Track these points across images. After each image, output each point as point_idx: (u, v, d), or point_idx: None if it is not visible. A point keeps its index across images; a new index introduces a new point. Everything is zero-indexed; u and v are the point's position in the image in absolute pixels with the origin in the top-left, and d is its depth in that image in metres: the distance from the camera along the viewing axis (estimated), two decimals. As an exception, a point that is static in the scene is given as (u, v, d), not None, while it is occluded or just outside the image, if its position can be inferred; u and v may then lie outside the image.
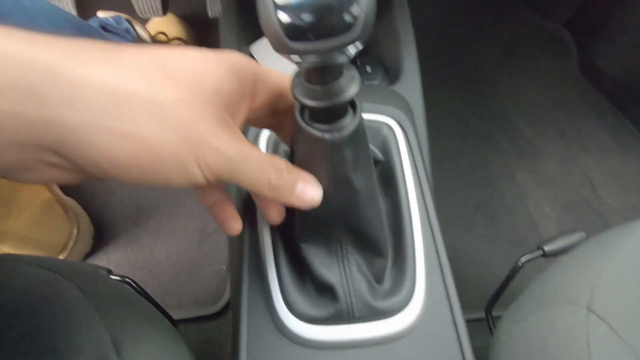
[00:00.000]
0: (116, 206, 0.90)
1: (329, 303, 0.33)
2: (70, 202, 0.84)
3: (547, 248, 0.53)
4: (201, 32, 1.09)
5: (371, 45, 0.59)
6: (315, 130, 0.27)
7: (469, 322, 0.34)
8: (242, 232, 0.38)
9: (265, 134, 0.41)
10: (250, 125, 0.36)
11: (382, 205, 0.40)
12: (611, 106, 1.14)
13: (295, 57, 0.22)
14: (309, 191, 0.27)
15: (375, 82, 0.52)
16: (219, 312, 0.77)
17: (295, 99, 0.26)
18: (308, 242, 0.34)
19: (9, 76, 0.16)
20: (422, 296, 0.34)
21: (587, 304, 0.31)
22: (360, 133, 0.29)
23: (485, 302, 0.67)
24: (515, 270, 0.55)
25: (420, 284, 0.35)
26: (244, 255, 0.37)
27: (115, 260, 0.83)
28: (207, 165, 0.21)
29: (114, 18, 0.84)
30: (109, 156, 0.19)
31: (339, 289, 0.33)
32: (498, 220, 0.92)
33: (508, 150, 1.04)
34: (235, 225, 0.30)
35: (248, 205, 0.38)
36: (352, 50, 0.22)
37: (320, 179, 0.30)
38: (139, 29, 0.89)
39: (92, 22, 0.82)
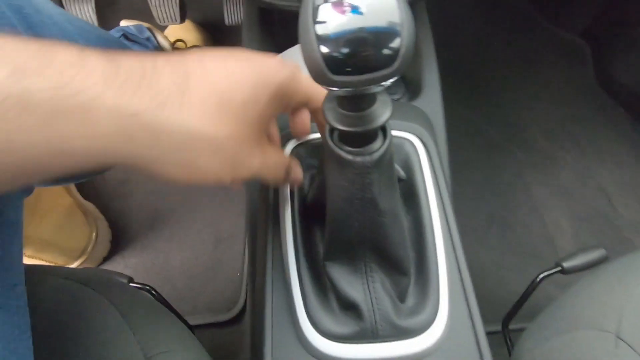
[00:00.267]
0: (133, 211, 0.91)
1: (353, 321, 0.34)
2: (90, 206, 0.86)
3: (566, 265, 0.53)
4: (218, 39, 1.10)
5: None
6: (345, 153, 0.28)
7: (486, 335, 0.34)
8: (265, 248, 0.39)
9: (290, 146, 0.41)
10: None
11: (405, 222, 0.40)
12: (628, 117, 1.13)
13: (333, 88, 0.22)
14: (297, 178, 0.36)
15: (396, 97, 0.52)
16: (233, 319, 0.78)
17: (328, 123, 0.26)
18: (333, 260, 0.34)
19: (110, 125, 0.21)
20: (445, 315, 0.35)
21: (616, 331, 0.31)
22: (389, 156, 0.29)
23: (499, 315, 0.67)
24: (533, 286, 0.55)
25: (444, 302, 0.35)
26: (267, 270, 0.37)
27: (131, 265, 0.85)
28: (239, 176, 0.28)
29: (135, 27, 0.86)
30: (174, 176, 0.25)
31: (364, 307, 0.33)
32: (512, 232, 0.92)
33: (523, 161, 1.04)
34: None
35: (272, 222, 0.39)
36: (390, 81, 0.22)
37: (346, 200, 0.30)
38: (159, 37, 0.90)
39: (115, 32, 0.83)
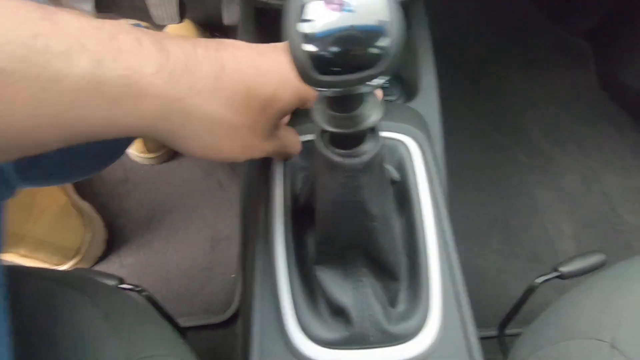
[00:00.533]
0: (130, 211, 0.91)
1: (343, 327, 0.33)
2: (85, 206, 0.85)
3: (563, 269, 0.52)
4: (216, 38, 1.10)
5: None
6: (335, 155, 0.27)
7: (481, 340, 0.33)
8: (255, 251, 0.38)
9: None
10: None
11: (398, 225, 0.39)
12: (632, 120, 1.11)
13: (320, 88, 0.22)
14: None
15: (393, 98, 0.52)
16: (227, 321, 0.77)
17: (316, 124, 0.26)
18: (324, 265, 0.34)
19: (156, 107, 0.25)
20: (437, 320, 0.34)
21: (611, 340, 0.30)
22: (379, 159, 0.29)
23: (497, 319, 0.66)
24: (530, 291, 0.54)
25: (435, 307, 0.34)
26: (256, 273, 0.37)
27: (127, 265, 0.84)
28: (251, 157, 0.32)
29: (134, 25, 0.85)
30: (194, 153, 0.29)
31: (353, 312, 0.32)
32: (514, 236, 0.91)
33: (525, 164, 1.03)
34: None
35: (263, 224, 0.38)
36: (378, 81, 0.21)
37: (336, 204, 0.29)
38: (158, 36, 0.90)
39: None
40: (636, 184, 1.00)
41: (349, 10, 0.19)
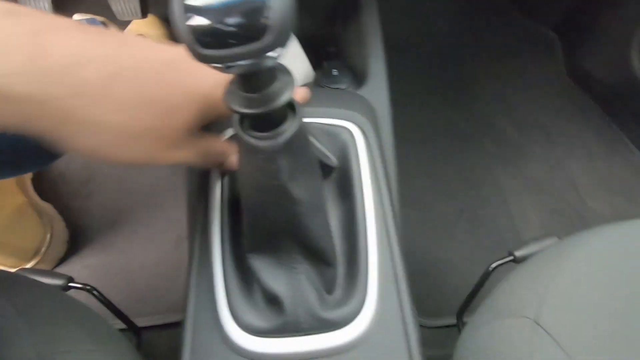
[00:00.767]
0: (94, 211, 0.89)
1: (276, 315, 0.32)
2: (46, 206, 0.83)
3: (517, 253, 0.52)
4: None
5: (339, 47, 0.58)
6: (251, 138, 0.26)
7: (445, 328, 0.33)
8: (193, 243, 0.37)
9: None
10: None
11: (338, 212, 0.39)
12: (598, 109, 1.13)
13: (217, 64, 0.21)
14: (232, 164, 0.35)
15: (342, 86, 0.51)
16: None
17: (227, 106, 0.25)
18: (256, 252, 0.33)
19: (21, 109, 0.23)
20: (373, 306, 0.33)
21: (535, 317, 0.30)
22: (301, 139, 0.28)
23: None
24: (485, 276, 0.54)
25: (372, 294, 0.34)
26: (192, 265, 0.36)
27: (90, 266, 0.82)
28: (158, 164, 0.29)
29: (88, 20, 0.84)
30: (82, 155, 0.27)
31: (286, 300, 0.32)
32: (480, 226, 0.91)
33: (494, 153, 1.03)
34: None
35: (199, 217, 0.37)
36: (273, 55, 0.21)
37: (257, 189, 0.29)
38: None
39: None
40: (601, 172, 1.02)
41: None
